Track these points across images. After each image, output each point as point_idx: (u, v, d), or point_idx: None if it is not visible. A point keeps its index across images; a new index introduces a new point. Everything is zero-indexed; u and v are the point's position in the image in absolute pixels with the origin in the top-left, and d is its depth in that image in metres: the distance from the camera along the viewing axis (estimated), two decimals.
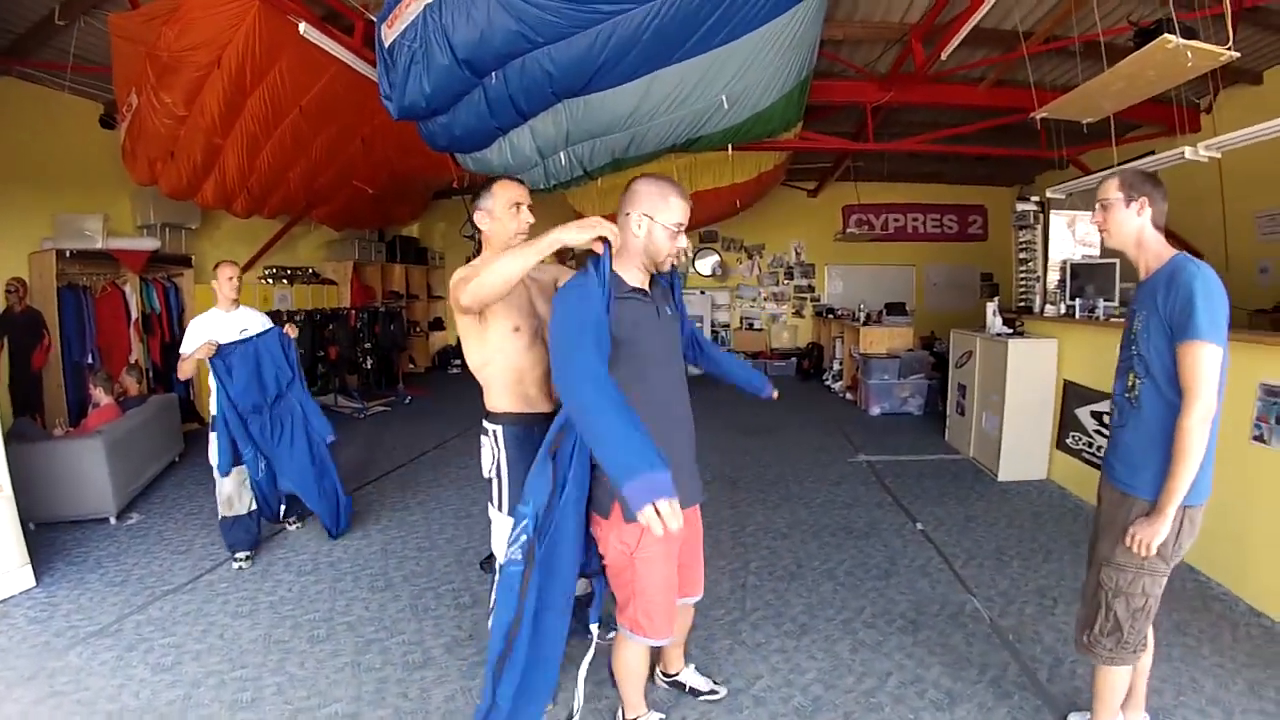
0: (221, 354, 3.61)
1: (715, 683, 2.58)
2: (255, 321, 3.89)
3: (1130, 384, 1.97)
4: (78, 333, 6.22)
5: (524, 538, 1.86)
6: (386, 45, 4.17)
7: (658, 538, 1.66)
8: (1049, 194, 5.54)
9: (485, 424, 2.37)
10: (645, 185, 1.93)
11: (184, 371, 3.63)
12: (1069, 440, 4.82)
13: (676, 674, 2.55)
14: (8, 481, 3.39)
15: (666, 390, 1.99)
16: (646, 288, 1.98)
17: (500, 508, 2.36)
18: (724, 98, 4.47)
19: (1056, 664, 2.73)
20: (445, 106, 4.44)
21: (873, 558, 3.77)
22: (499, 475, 2.34)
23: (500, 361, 2.30)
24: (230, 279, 3.81)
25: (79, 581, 3.46)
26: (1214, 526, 3.34)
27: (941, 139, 6.83)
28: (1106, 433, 4.34)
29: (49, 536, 3.96)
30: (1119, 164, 5.01)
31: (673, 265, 2.03)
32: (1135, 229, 2.00)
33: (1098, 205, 2.04)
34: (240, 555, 3.71)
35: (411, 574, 3.60)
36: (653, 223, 1.90)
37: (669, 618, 2.05)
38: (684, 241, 1.95)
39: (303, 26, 4.34)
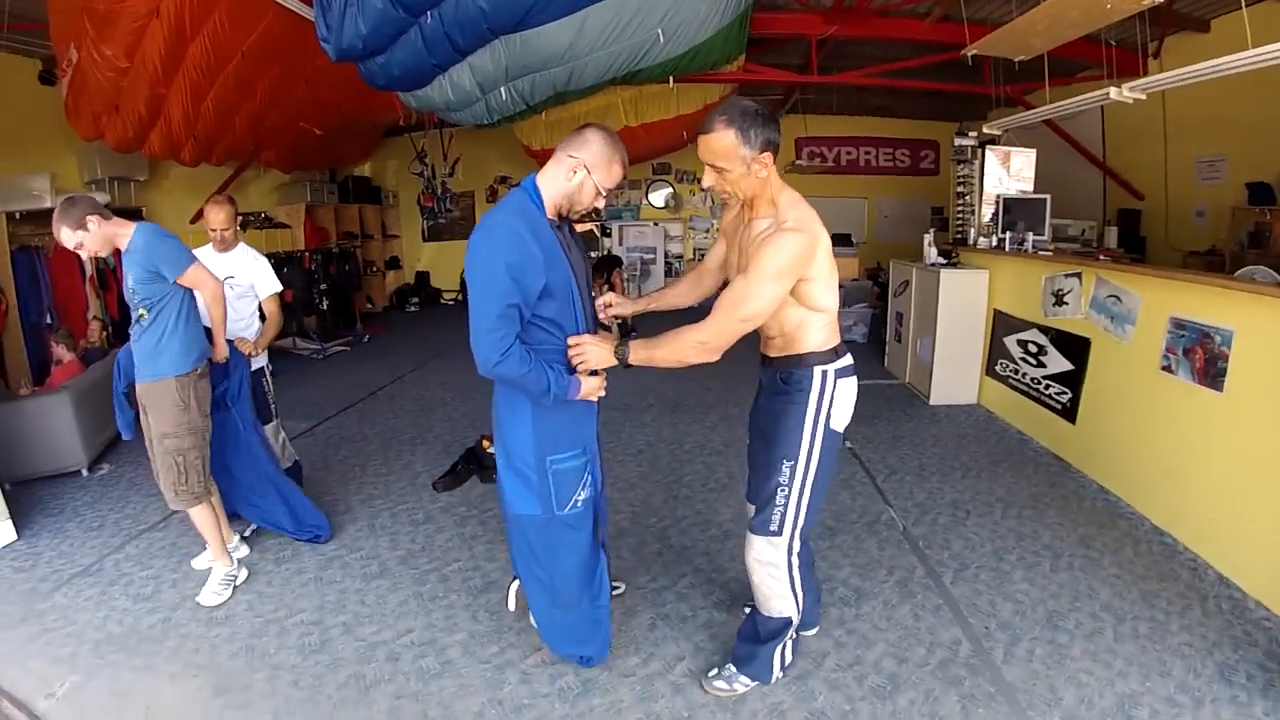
0: None
1: None
2: (246, 268, 3.38)
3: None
4: (34, 294, 6.23)
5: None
6: None
7: None
8: (985, 129, 5.69)
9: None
10: (597, 140, 1.94)
11: None
12: (997, 367, 5.10)
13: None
14: None
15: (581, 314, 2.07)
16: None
17: None
18: (660, 32, 4.50)
19: (962, 568, 2.97)
20: (382, 47, 4.44)
21: None
22: None
23: None
24: (215, 230, 3.28)
25: (58, 531, 3.59)
26: (1124, 451, 3.67)
27: (886, 73, 6.88)
28: (1032, 361, 4.63)
29: (25, 493, 4.03)
30: (1052, 103, 5.09)
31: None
32: None
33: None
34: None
35: (369, 496, 3.84)
36: (588, 176, 1.94)
37: None
38: (600, 203, 2.03)
39: None
